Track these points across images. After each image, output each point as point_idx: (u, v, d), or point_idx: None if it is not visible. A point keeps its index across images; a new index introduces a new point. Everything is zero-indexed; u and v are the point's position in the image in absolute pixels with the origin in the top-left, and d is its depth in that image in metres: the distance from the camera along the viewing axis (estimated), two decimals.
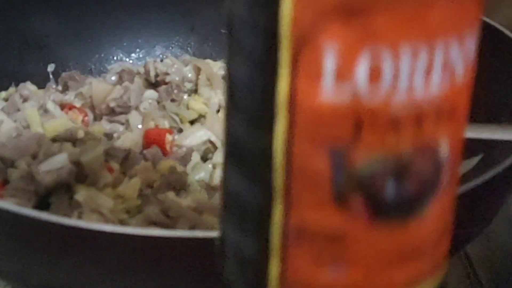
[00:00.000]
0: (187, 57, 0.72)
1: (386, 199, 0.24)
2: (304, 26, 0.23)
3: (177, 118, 0.63)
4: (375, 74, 0.23)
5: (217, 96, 0.65)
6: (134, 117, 0.62)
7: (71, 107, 0.64)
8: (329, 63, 0.23)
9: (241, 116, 0.25)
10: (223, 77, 0.67)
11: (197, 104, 0.64)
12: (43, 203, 0.52)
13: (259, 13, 0.23)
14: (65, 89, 0.68)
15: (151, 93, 0.65)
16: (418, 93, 0.23)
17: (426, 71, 0.23)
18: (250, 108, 0.25)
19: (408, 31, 0.23)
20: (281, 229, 0.25)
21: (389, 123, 0.23)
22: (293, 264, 0.26)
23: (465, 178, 0.56)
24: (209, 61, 0.71)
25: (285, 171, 0.25)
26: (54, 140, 0.57)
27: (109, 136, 0.61)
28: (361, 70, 0.23)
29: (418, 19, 0.23)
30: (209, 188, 0.55)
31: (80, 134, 0.57)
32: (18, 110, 0.63)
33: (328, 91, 0.23)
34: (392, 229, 0.25)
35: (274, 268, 0.26)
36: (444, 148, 0.25)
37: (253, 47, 0.24)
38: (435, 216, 0.26)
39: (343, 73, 0.23)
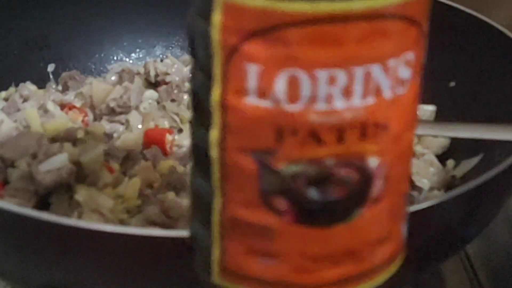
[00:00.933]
0: (187, 57, 0.72)
1: (310, 204, 0.26)
2: (231, 38, 0.25)
3: (177, 118, 0.63)
4: (293, 92, 0.25)
5: None
6: (134, 117, 0.62)
7: (71, 107, 0.64)
8: (252, 75, 0.25)
9: (196, 118, 0.28)
10: None
11: None
12: (43, 203, 0.52)
13: (201, 25, 0.26)
14: (65, 89, 0.68)
15: (151, 93, 0.65)
16: (337, 109, 0.25)
17: (345, 91, 0.25)
18: (200, 111, 0.27)
19: (324, 57, 0.24)
20: (219, 220, 0.28)
21: (309, 133, 0.25)
22: (229, 252, 0.28)
23: (465, 178, 0.56)
24: None
25: (220, 168, 0.27)
26: (54, 140, 0.57)
27: (109, 136, 0.61)
28: (280, 86, 0.25)
29: (334, 48, 0.24)
30: None
31: (80, 134, 0.57)
32: (18, 110, 0.63)
33: (251, 100, 0.25)
34: (318, 231, 0.27)
35: (215, 254, 0.28)
36: (373, 161, 0.26)
37: (200, 56, 0.27)
38: (367, 225, 0.27)
39: (264, 86, 0.25)
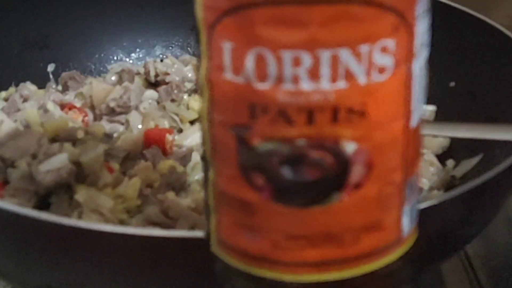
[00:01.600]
0: (187, 57, 0.72)
1: (284, 182, 0.27)
2: (210, 16, 0.26)
3: (177, 118, 0.63)
4: (261, 70, 0.26)
5: None
6: (134, 117, 0.62)
7: (71, 107, 0.64)
8: (227, 52, 0.26)
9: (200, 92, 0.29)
10: None
11: (197, 104, 0.64)
12: (43, 203, 0.52)
13: (193, 4, 0.27)
14: (65, 89, 0.68)
15: (151, 93, 0.65)
16: (305, 90, 0.26)
17: (311, 73, 0.25)
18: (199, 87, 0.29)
19: (288, 38, 0.25)
20: (213, 191, 0.29)
21: (279, 112, 0.26)
22: (222, 223, 0.29)
23: (465, 178, 0.57)
24: None
25: (210, 141, 0.28)
26: (54, 140, 0.57)
27: (109, 136, 0.61)
28: (249, 64, 0.26)
29: (298, 29, 0.25)
30: None
31: (80, 134, 0.57)
32: (18, 110, 0.63)
33: (228, 76, 0.26)
34: (295, 211, 0.27)
35: (213, 225, 0.29)
36: (350, 146, 0.26)
37: (196, 34, 0.28)
38: (348, 210, 0.27)
39: (237, 63, 0.26)
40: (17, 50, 0.69)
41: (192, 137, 0.60)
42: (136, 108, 0.63)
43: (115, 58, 0.73)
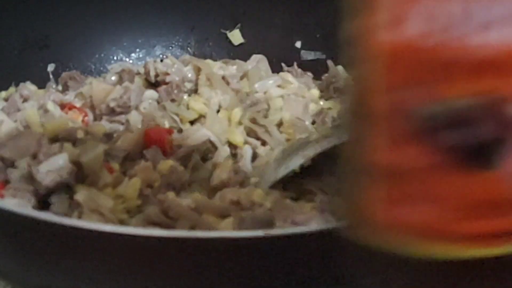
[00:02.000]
0: (187, 57, 0.72)
1: (452, 144, 0.25)
2: None
3: (177, 118, 0.63)
4: (427, 24, 0.25)
5: (217, 96, 0.65)
6: (134, 117, 0.62)
7: (71, 107, 0.64)
8: (388, 8, 0.25)
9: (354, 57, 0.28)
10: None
11: (197, 104, 0.64)
12: (43, 203, 0.52)
13: None
14: (65, 89, 0.68)
15: (151, 93, 0.65)
16: (473, 46, 0.25)
17: (482, 26, 0.24)
18: (349, 54, 0.28)
19: None
20: (366, 169, 0.27)
21: (443, 70, 0.25)
22: (377, 201, 0.27)
23: None
24: (209, 61, 0.71)
25: (368, 114, 0.27)
26: (54, 140, 0.57)
27: (109, 136, 0.61)
28: (414, 20, 0.25)
29: None
30: (209, 188, 0.55)
31: (80, 134, 0.57)
32: (18, 110, 0.63)
33: (389, 33, 0.26)
34: (464, 176, 0.26)
35: (359, 208, 0.28)
36: None
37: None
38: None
39: (399, 19, 0.25)
40: (17, 50, 0.69)
41: (192, 137, 0.60)
42: (136, 108, 0.63)
43: (115, 58, 0.73)
